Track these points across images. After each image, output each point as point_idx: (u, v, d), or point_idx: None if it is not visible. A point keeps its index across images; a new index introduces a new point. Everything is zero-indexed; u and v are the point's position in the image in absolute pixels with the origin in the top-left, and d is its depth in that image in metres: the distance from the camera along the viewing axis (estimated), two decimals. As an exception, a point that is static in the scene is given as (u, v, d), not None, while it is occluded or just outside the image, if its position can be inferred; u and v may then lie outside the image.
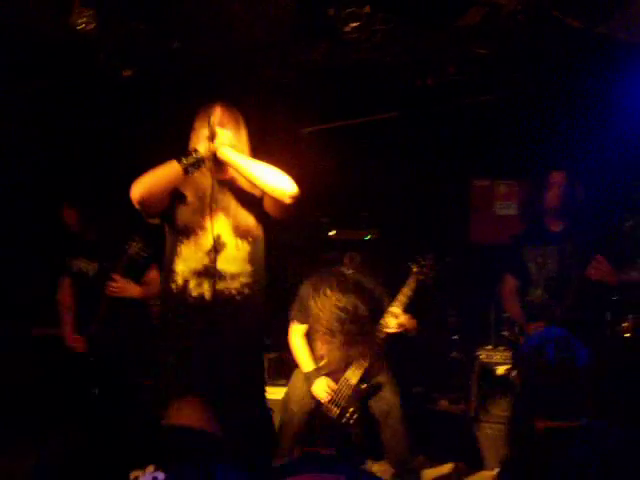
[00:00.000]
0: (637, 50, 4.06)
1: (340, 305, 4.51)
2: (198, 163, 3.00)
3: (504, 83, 4.94)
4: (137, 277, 4.53)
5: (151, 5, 4.31)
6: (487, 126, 5.69)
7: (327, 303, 4.54)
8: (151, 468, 2.26)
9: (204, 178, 3.08)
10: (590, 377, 2.65)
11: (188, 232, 3.08)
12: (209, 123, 2.98)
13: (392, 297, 4.43)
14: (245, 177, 3.07)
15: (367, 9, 4.09)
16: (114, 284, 4.40)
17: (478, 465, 4.97)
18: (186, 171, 2.98)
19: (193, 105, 3.27)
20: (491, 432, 4.99)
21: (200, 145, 3.02)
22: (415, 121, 5.83)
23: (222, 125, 3.08)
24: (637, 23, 3.93)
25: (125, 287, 4.43)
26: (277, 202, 3.05)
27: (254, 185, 3.08)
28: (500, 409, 4.95)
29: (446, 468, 4.92)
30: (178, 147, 3.16)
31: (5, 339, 5.19)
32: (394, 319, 4.31)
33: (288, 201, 3.01)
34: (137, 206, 3.04)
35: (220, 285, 3.01)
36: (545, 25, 3.84)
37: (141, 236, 4.40)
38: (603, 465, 2.26)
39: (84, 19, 3.84)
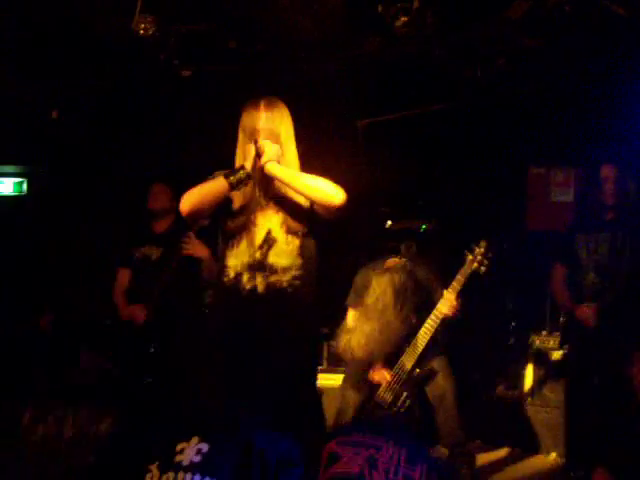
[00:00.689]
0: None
1: (394, 292, 4.57)
2: (245, 180, 3.09)
3: (554, 74, 4.95)
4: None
5: (207, 6, 4.47)
6: (542, 115, 5.69)
7: (382, 290, 4.61)
8: (195, 440, 2.41)
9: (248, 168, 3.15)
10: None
11: (239, 229, 3.18)
12: (255, 142, 3.07)
13: (446, 286, 4.48)
14: (292, 189, 3.16)
15: (416, 4, 4.17)
16: (188, 240, 4.56)
17: (534, 449, 5.03)
18: (232, 187, 3.08)
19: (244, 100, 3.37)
20: (547, 416, 5.04)
21: (247, 162, 3.10)
22: (469, 112, 5.86)
23: (266, 130, 3.13)
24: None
25: (197, 246, 4.56)
26: (325, 208, 3.16)
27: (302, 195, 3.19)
28: (556, 393, 5.00)
29: (502, 452, 5.01)
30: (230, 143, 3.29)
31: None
32: (447, 303, 4.36)
33: (335, 208, 3.12)
34: (185, 217, 3.20)
35: (272, 278, 3.12)
36: (592, 14, 3.86)
37: None
38: None
39: (144, 25, 4.04)
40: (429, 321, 4.41)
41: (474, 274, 4.40)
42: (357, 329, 4.71)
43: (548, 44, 4.43)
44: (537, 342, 5.24)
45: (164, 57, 4.75)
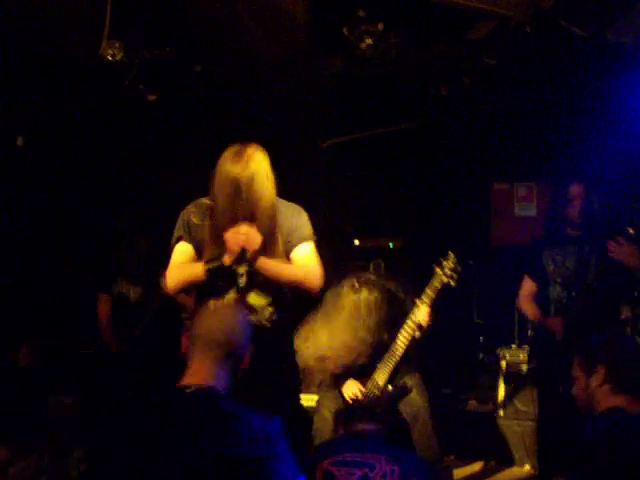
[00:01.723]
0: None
1: (364, 309, 4.58)
2: (220, 270, 3.09)
3: (515, 92, 5.06)
4: None
5: (172, 31, 4.49)
6: (504, 132, 5.80)
7: (352, 307, 4.62)
8: None
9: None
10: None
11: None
12: (238, 238, 3.03)
13: (416, 298, 4.49)
14: (275, 281, 3.19)
15: (380, 26, 4.24)
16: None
17: (508, 462, 5.08)
18: (208, 273, 3.09)
19: (216, 126, 3.38)
20: (519, 429, 5.10)
21: (226, 257, 3.06)
22: (432, 130, 5.95)
23: (247, 180, 3.06)
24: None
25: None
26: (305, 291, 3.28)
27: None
28: (528, 406, 5.07)
29: (477, 466, 5.04)
30: (202, 171, 3.29)
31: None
32: (419, 315, 4.37)
33: (314, 291, 3.28)
34: (170, 293, 3.30)
35: (252, 318, 3.16)
36: (552, 35, 3.96)
37: None
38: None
39: (112, 50, 4.03)
40: (401, 337, 4.41)
41: (444, 287, 4.42)
42: (328, 347, 4.74)
43: (510, 63, 4.53)
44: (507, 356, 5.29)
45: (129, 82, 4.73)
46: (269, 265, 3.13)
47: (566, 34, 3.94)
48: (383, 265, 4.94)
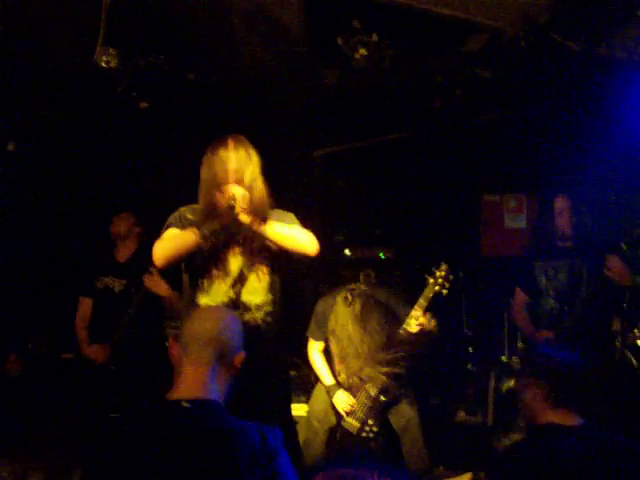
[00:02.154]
0: (638, 69, 4.19)
1: (356, 319, 4.59)
2: (217, 233, 3.13)
3: (508, 104, 5.09)
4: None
5: (167, 39, 4.49)
6: (494, 144, 5.83)
7: (343, 318, 4.63)
8: None
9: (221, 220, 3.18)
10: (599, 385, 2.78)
11: (209, 270, 3.21)
12: (227, 195, 3.10)
13: (408, 306, 4.49)
14: (268, 240, 3.21)
15: (375, 37, 4.25)
16: (150, 276, 4.54)
17: (497, 474, 5.07)
18: (205, 240, 3.11)
19: (208, 134, 3.39)
20: (508, 442, 5.09)
21: (220, 215, 3.12)
22: (424, 141, 5.97)
23: (234, 171, 3.17)
24: (637, 42, 4.06)
25: (159, 283, 4.53)
26: (300, 256, 3.25)
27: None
28: (516, 418, 5.06)
29: (466, 477, 5.02)
30: (194, 178, 3.30)
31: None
32: (414, 320, 4.37)
33: (310, 257, 3.23)
34: (159, 268, 3.24)
35: (246, 316, 3.16)
36: (546, 49, 3.98)
37: None
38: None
39: (107, 57, 4.02)
40: (397, 337, 4.40)
41: (436, 296, 4.42)
42: (321, 359, 4.74)
43: (503, 76, 4.55)
44: (497, 367, 5.30)
45: (122, 89, 4.73)
46: (268, 226, 3.16)
47: (560, 48, 3.97)
48: (373, 275, 4.92)
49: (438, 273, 4.40)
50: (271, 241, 3.20)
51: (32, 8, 3.92)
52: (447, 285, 4.39)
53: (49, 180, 5.65)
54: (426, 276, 4.43)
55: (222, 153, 3.17)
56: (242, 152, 3.20)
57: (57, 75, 4.57)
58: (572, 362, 2.79)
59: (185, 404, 2.16)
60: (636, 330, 4.93)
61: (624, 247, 3.98)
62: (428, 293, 4.38)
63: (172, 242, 3.17)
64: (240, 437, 2.08)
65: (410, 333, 4.35)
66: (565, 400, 2.66)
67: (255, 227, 3.15)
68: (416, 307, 4.40)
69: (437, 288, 4.38)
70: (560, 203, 4.38)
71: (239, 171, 3.17)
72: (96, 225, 5.14)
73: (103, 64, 4.06)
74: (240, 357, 2.40)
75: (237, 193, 3.12)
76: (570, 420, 2.62)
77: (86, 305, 4.88)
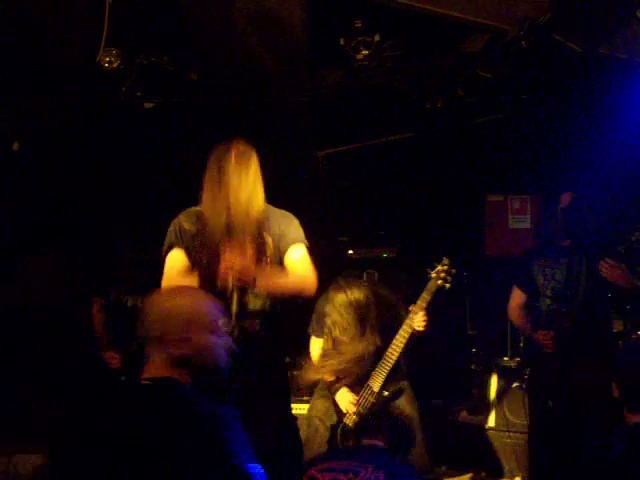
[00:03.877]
0: (638, 69, 4.19)
1: (356, 316, 4.58)
2: None
3: (510, 104, 5.09)
4: None
5: (170, 39, 4.51)
6: (499, 144, 5.83)
7: (343, 315, 4.62)
8: None
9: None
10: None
11: (208, 278, 3.18)
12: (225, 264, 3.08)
13: (412, 304, 4.47)
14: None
15: (377, 37, 4.27)
16: None
17: (498, 474, 5.08)
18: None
19: (211, 134, 3.40)
20: (510, 441, 5.10)
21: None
22: (428, 141, 5.98)
23: (237, 176, 3.17)
24: (637, 42, 4.07)
25: None
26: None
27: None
28: (519, 417, 5.07)
29: (467, 477, 5.04)
30: (198, 178, 3.31)
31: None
32: (415, 318, 4.36)
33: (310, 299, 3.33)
34: None
35: (246, 323, 3.18)
36: (547, 49, 3.99)
37: None
38: None
39: (110, 58, 4.05)
40: (396, 341, 4.39)
41: (439, 290, 4.41)
42: (323, 356, 4.74)
43: (506, 76, 4.56)
44: (499, 367, 5.31)
45: (126, 89, 4.75)
46: (266, 286, 3.16)
47: (561, 49, 3.97)
48: (377, 275, 4.95)
49: (440, 267, 4.37)
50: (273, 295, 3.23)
51: (35, 9, 3.95)
52: (449, 279, 4.37)
53: (51, 180, 5.67)
54: (428, 270, 4.42)
55: (225, 155, 3.19)
56: (244, 157, 3.21)
57: (61, 76, 4.59)
58: None
59: (145, 382, 2.21)
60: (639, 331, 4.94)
61: (622, 251, 3.98)
62: (431, 287, 4.36)
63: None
64: (188, 406, 2.11)
65: (414, 331, 4.35)
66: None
67: (260, 289, 3.18)
68: (419, 301, 4.37)
69: (440, 282, 4.35)
70: (565, 198, 4.38)
71: (241, 175, 3.18)
72: (98, 226, 5.14)
73: (106, 65, 4.09)
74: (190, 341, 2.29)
75: (242, 270, 3.10)
76: None
77: (97, 306, 4.91)
